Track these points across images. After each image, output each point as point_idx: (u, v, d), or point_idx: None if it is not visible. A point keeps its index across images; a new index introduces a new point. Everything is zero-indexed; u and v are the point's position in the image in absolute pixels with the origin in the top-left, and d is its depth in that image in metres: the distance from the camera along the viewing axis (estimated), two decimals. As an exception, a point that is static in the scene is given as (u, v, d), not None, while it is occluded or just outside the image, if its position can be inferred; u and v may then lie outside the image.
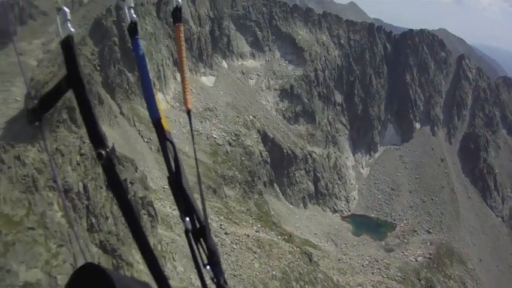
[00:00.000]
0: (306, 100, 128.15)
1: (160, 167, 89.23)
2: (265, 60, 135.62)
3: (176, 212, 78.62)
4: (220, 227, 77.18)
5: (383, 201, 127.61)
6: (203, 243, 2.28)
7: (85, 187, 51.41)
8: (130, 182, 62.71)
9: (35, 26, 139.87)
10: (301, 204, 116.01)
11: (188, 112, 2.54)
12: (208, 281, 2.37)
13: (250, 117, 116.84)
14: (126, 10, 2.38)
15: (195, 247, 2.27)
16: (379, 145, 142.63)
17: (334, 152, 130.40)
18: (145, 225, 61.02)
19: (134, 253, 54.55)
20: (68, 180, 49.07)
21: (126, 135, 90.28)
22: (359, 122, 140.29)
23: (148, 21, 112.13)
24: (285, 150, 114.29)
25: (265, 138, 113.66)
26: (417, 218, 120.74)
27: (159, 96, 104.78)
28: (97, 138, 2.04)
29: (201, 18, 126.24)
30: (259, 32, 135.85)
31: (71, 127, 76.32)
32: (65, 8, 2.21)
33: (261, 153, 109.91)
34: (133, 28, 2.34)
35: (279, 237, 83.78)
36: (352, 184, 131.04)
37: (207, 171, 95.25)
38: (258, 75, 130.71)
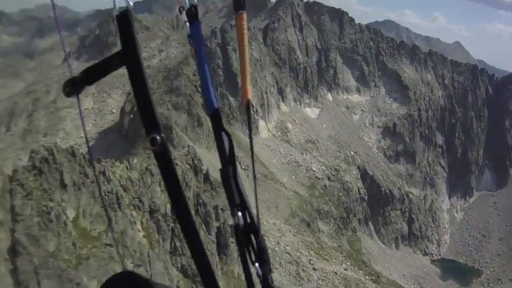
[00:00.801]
0: (407, 139, 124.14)
1: (258, 197, 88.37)
2: (370, 96, 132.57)
3: (266, 243, 77.69)
4: (309, 262, 74.57)
5: (473, 247, 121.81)
6: (253, 240, 2.19)
7: (172, 209, 50.23)
8: (222, 209, 61.49)
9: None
10: (393, 245, 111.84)
11: (247, 104, 2.22)
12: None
13: (352, 152, 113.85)
14: None
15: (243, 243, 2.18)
16: (474, 190, 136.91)
17: (431, 194, 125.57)
18: (232, 253, 59.52)
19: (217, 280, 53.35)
20: (155, 201, 48.59)
21: None
22: (457, 166, 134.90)
23: (254, 46, 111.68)
24: (383, 189, 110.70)
25: (364, 175, 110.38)
26: (503, 267, 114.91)
27: (261, 124, 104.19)
28: (151, 122, 1.89)
29: (308, 49, 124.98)
30: (365, 67, 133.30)
31: None
32: None
33: (359, 190, 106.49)
34: (193, 12, 2.15)
35: (367, 277, 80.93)
36: (445, 228, 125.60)
37: (303, 204, 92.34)
38: (362, 110, 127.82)
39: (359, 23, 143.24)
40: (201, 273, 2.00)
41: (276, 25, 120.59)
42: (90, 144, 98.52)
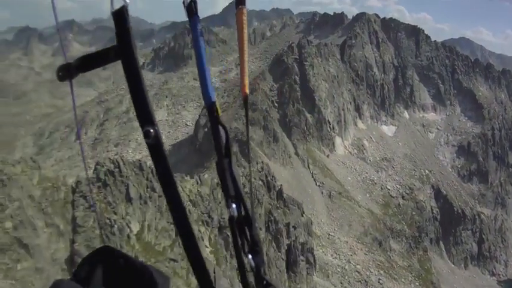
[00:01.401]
0: (481, 159, 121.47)
1: (329, 213, 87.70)
2: (446, 115, 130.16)
3: (337, 261, 76.81)
4: (378, 281, 74.46)
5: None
6: (247, 232, 2.20)
7: None
8: (293, 227, 61.77)
9: (213, 53, 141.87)
10: (462, 265, 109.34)
11: (245, 97, 2.34)
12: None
13: (426, 171, 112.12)
14: None
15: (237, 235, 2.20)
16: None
17: (502, 215, 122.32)
18: (301, 271, 60.14)
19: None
20: (224, 217, 47.58)
21: (298, 176, 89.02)
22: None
23: (331, 63, 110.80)
24: (455, 209, 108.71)
25: (438, 194, 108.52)
26: None
27: (337, 141, 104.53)
28: (145, 116, 1.87)
29: (385, 65, 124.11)
30: (441, 85, 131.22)
31: (240, 161, 76.84)
32: None
33: (432, 210, 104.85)
34: (193, 7, 2.16)
35: (434, 297, 79.12)
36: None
37: (376, 222, 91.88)
38: (438, 129, 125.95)
39: (435, 40, 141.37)
40: (191, 262, 2.04)
41: (353, 41, 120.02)
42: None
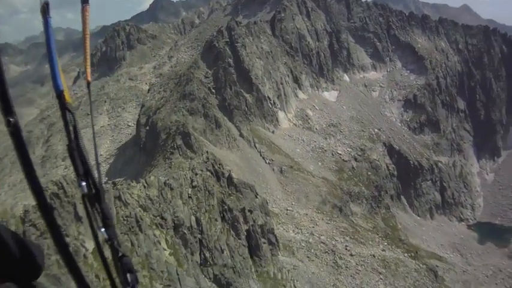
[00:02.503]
0: (429, 109, 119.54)
1: (284, 189, 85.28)
2: (387, 71, 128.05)
3: (300, 236, 74.03)
4: (346, 248, 71.70)
5: (507, 207, 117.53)
6: (98, 207, 2.32)
7: (197, 221, 48.89)
8: (249, 210, 59.33)
9: (144, 50, 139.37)
10: (428, 215, 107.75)
11: (88, 84, 2.81)
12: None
13: (375, 130, 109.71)
14: None
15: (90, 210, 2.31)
16: (502, 149, 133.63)
17: (460, 160, 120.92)
18: (265, 254, 57.76)
19: (252, 284, 51.28)
20: (178, 215, 46.84)
21: (246, 157, 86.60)
22: (482, 128, 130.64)
23: (263, 40, 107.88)
24: (411, 162, 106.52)
25: (391, 150, 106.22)
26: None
27: (280, 115, 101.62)
28: (6, 107, 1.98)
29: (318, 33, 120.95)
30: (378, 43, 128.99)
31: (186, 153, 74.62)
32: None
33: (387, 167, 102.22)
34: (45, 9, 2.34)
35: (406, 254, 78.16)
36: (477, 191, 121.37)
37: (333, 189, 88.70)
38: (381, 86, 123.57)
39: (365, 1, 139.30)
40: (65, 263, 2.04)
41: (283, 15, 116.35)
42: (110, 161, 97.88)
